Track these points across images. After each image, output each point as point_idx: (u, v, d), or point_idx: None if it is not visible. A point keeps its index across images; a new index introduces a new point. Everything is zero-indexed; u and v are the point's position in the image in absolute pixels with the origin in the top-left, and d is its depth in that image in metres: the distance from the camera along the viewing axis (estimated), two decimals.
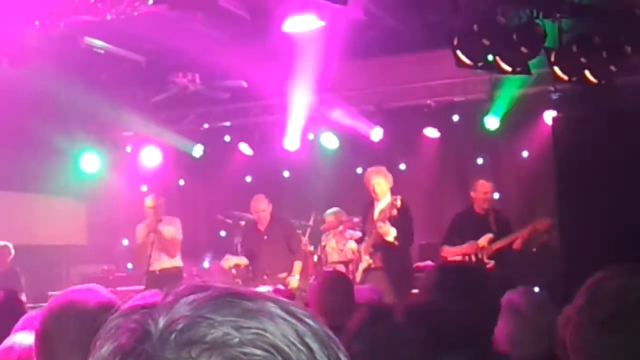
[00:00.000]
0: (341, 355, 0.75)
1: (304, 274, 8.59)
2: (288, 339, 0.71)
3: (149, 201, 9.07)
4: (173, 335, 0.71)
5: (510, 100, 9.39)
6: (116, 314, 0.76)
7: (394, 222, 7.86)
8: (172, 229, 8.99)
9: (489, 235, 8.21)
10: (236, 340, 0.70)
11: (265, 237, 8.72)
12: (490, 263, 8.02)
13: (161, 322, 0.72)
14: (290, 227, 8.91)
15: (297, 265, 8.62)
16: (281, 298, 0.76)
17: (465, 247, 8.17)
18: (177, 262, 9.07)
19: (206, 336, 0.70)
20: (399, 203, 7.87)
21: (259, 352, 0.70)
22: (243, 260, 8.72)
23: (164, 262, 8.96)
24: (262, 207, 8.74)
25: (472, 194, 8.44)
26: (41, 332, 2.13)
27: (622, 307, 1.88)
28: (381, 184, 8.09)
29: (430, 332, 1.87)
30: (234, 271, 8.77)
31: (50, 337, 2.10)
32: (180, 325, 0.71)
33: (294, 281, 8.48)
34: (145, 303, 0.77)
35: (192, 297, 0.74)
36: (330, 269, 7.46)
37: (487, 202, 8.38)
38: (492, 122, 9.54)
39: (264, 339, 0.70)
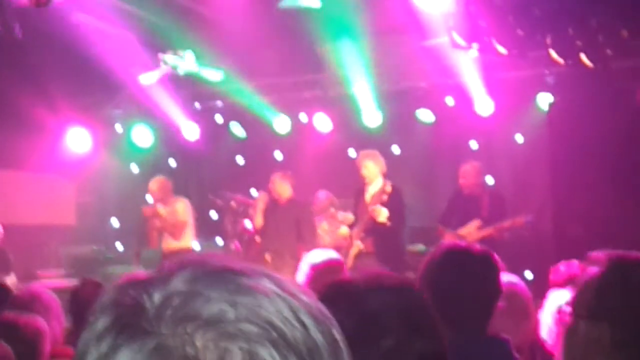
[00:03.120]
0: (334, 332, 0.75)
1: None
2: (283, 315, 0.71)
3: (150, 185, 9.07)
4: (169, 311, 0.70)
5: None
6: (111, 288, 0.76)
7: (384, 205, 7.81)
8: (172, 210, 8.93)
9: (477, 222, 8.17)
10: (232, 316, 0.70)
11: (277, 215, 8.45)
12: None
13: (156, 297, 0.72)
14: (305, 214, 8.54)
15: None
16: (276, 274, 0.76)
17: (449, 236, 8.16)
18: (184, 243, 8.98)
19: (202, 312, 0.70)
20: (389, 188, 7.81)
21: (254, 328, 0.70)
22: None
23: (169, 243, 8.96)
24: (275, 186, 8.48)
25: (460, 180, 8.41)
26: None
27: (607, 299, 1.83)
28: (369, 168, 8.01)
29: (406, 315, 1.70)
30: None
31: None
32: (176, 301, 0.71)
33: None
34: (139, 278, 0.75)
35: (187, 272, 0.74)
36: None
37: (474, 187, 8.28)
38: (485, 106, 9.48)
39: (259, 315, 0.70)
